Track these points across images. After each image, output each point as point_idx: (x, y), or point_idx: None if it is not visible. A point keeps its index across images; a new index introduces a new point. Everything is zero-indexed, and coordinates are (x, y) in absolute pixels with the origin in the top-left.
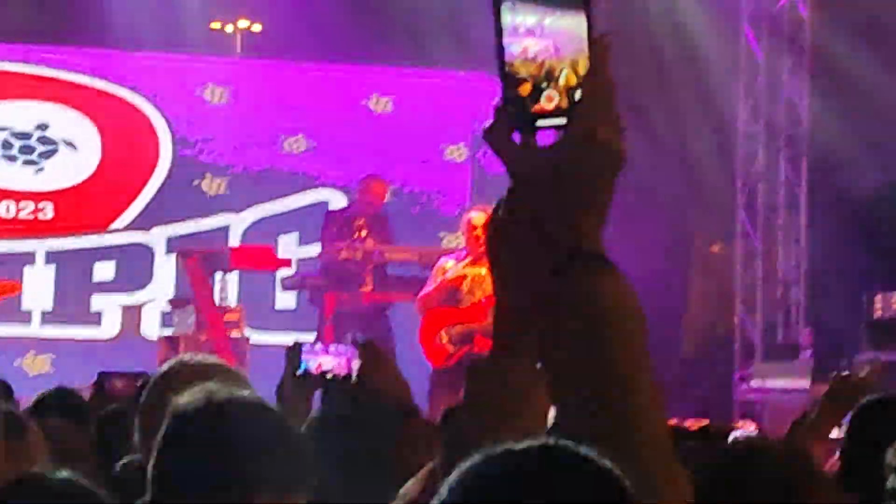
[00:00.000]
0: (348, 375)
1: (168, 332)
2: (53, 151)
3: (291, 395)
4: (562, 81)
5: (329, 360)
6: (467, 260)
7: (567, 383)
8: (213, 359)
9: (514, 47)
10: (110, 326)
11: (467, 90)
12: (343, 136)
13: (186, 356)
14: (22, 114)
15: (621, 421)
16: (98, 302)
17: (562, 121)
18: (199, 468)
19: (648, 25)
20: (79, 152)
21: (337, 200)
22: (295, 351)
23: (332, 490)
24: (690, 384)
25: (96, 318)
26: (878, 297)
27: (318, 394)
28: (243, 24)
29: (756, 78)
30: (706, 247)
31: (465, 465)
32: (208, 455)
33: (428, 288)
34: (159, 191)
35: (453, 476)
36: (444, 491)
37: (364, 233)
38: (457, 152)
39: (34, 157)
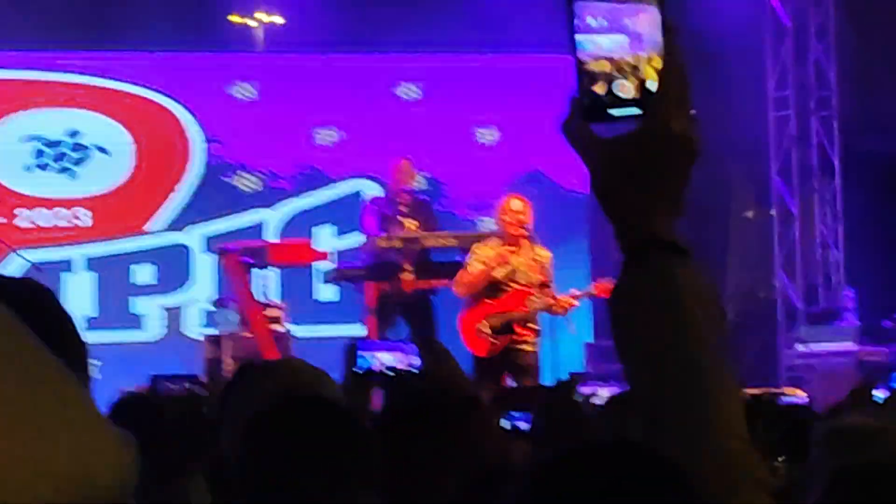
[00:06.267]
0: (409, 370)
1: (211, 331)
2: (86, 157)
3: (352, 393)
4: (637, 75)
5: (389, 357)
6: (500, 245)
7: (643, 372)
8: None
9: (588, 44)
10: (153, 329)
11: (494, 72)
12: (374, 125)
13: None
14: (52, 121)
15: (697, 412)
16: (139, 305)
17: (636, 111)
18: (276, 466)
19: None
20: (111, 157)
21: (371, 190)
22: (353, 349)
23: (405, 484)
24: (733, 350)
25: (138, 322)
26: None
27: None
28: (262, 16)
29: (783, 42)
30: (741, 212)
31: (538, 460)
32: (284, 454)
33: (467, 272)
34: (193, 190)
35: (528, 472)
36: (520, 486)
37: (407, 220)
38: (489, 134)
39: (67, 164)
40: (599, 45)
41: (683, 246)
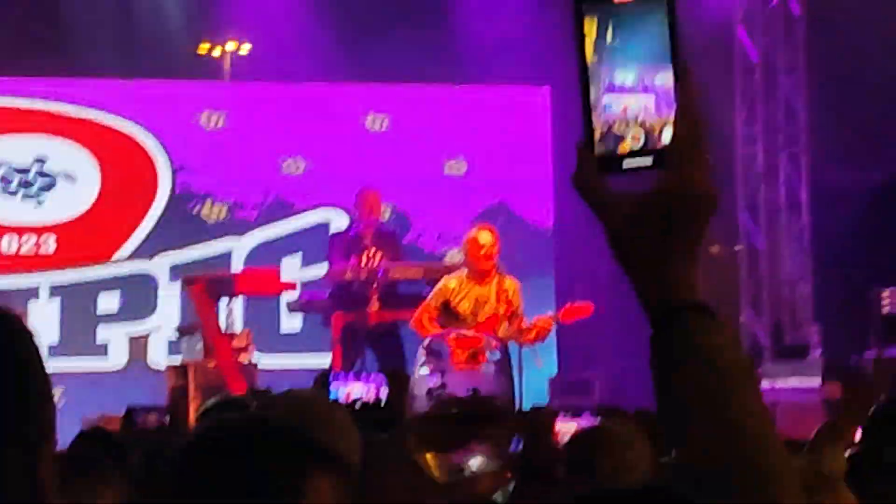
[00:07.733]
0: (377, 402)
1: (175, 360)
2: (52, 184)
3: None
4: (649, 127)
5: (358, 388)
6: (466, 277)
7: (685, 439)
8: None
9: (614, 105)
10: (117, 357)
11: (463, 103)
12: (341, 155)
13: None
14: (19, 148)
15: (750, 478)
16: (104, 333)
17: (648, 161)
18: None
19: None
20: (78, 184)
21: (338, 220)
22: (323, 379)
23: None
24: None
25: (103, 349)
26: (886, 293)
27: None
28: (231, 46)
29: (752, 78)
30: (705, 248)
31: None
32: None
33: (425, 308)
34: (160, 219)
35: None
36: None
37: (372, 251)
38: (456, 166)
39: (33, 190)
40: (627, 107)
41: (705, 303)
